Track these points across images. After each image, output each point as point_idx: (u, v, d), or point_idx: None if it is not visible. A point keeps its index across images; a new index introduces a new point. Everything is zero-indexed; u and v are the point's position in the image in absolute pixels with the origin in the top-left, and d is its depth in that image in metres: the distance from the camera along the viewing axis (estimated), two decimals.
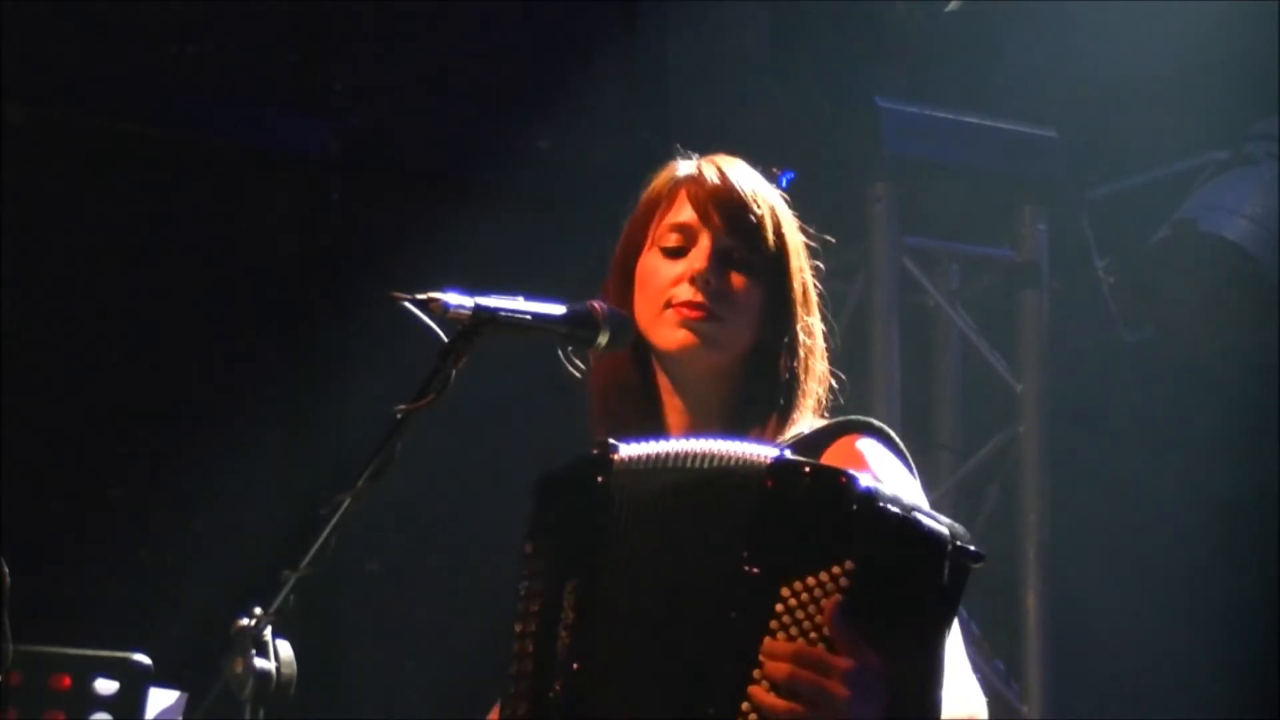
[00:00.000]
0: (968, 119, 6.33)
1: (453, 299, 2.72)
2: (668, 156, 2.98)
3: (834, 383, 2.94)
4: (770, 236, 2.86)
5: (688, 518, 2.51)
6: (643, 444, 2.59)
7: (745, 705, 2.39)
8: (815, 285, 2.93)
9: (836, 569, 2.38)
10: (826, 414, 2.91)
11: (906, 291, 6.36)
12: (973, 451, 6.41)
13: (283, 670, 2.68)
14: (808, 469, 2.48)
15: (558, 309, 2.80)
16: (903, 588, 2.40)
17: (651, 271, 2.87)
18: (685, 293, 2.83)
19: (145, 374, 5.74)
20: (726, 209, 2.85)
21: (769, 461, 2.48)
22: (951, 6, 6.40)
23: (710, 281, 2.82)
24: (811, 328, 2.89)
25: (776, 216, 2.88)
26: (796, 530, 2.41)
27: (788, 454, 2.51)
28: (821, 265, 3.00)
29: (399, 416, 2.70)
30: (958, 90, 6.52)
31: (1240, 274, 6.33)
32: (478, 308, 2.73)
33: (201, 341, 5.83)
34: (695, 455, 2.53)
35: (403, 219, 6.09)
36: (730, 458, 2.51)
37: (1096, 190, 6.81)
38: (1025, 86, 6.57)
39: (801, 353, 2.86)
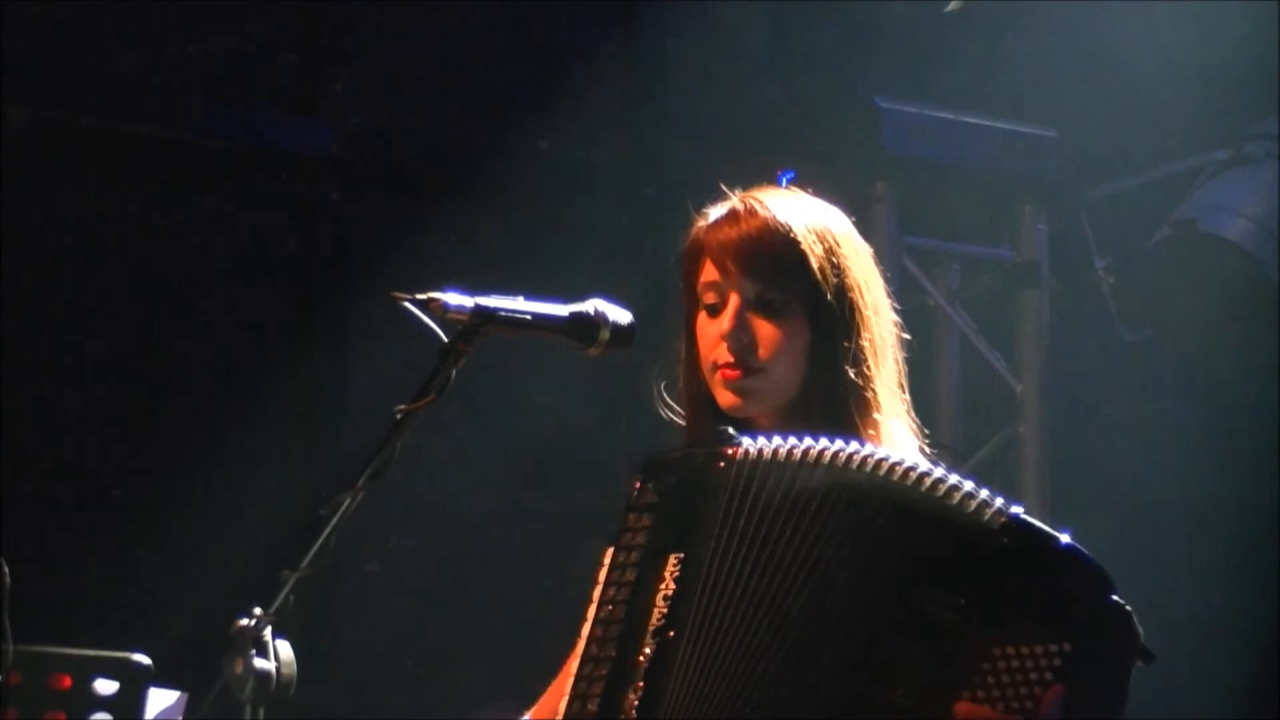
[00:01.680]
0: (968, 119, 6.33)
1: (453, 299, 2.72)
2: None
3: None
4: (793, 269, 2.81)
5: (861, 529, 2.46)
6: (764, 438, 2.56)
7: None
8: (866, 300, 2.86)
9: (1053, 646, 2.35)
10: (924, 432, 2.88)
11: (906, 291, 6.36)
12: (973, 451, 6.41)
13: (283, 670, 2.67)
14: (1042, 536, 2.42)
15: (558, 309, 2.80)
16: (1104, 677, 2.38)
17: (699, 333, 2.86)
18: (723, 354, 2.81)
19: (145, 374, 5.74)
20: (741, 257, 2.81)
21: (1006, 519, 2.41)
22: (951, 6, 6.40)
23: (740, 338, 2.80)
24: (863, 352, 2.83)
25: (798, 248, 2.81)
26: (1025, 597, 2.37)
27: (1018, 511, 2.43)
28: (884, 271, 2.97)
29: (399, 416, 2.70)
30: (958, 90, 6.52)
31: (1240, 274, 6.33)
32: (478, 308, 2.73)
33: (201, 341, 5.83)
34: (865, 459, 2.48)
35: (403, 219, 6.09)
36: (957, 493, 2.44)
37: (1096, 190, 6.81)
38: (1025, 86, 6.57)
39: (853, 383, 2.80)
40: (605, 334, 2.79)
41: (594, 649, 2.52)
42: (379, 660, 5.97)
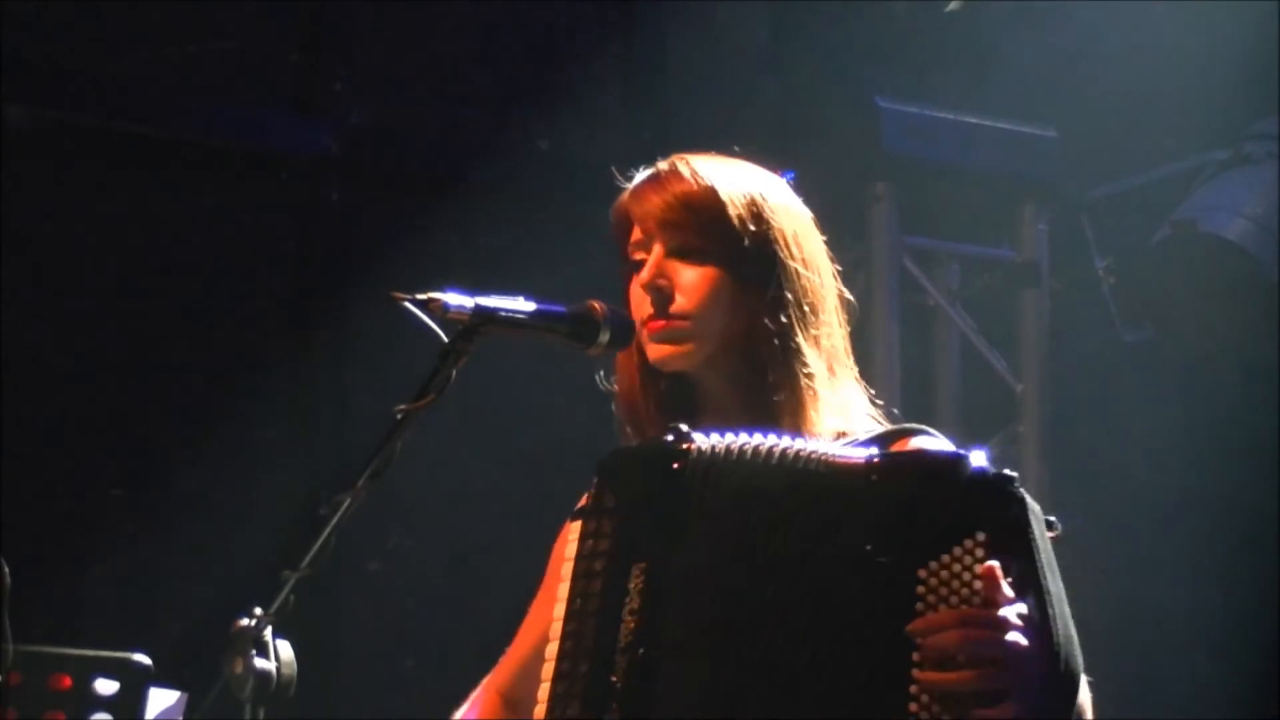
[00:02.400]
0: (968, 119, 6.33)
1: (453, 299, 2.71)
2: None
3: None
4: (712, 219, 2.81)
5: (786, 514, 2.48)
6: (717, 435, 2.56)
7: (914, 689, 2.36)
8: (792, 253, 2.84)
9: (969, 541, 2.39)
10: (880, 410, 2.89)
11: (906, 291, 6.36)
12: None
13: (283, 670, 2.68)
14: (907, 458, 2.53)
15: (558, 309, 2.80)
16: (1024, 547, 2.41)
17: (631, 295, 2.88)
18: (646, 307, 2.83)
19: (145, 374, 5.74)
20: (660, 210, 2.84)
21: (865, 460, 2.49)
22: (951, 6, 6.40)
23: (661, 288, 2.82)
24: (785, 303, 2.82)
25: (717, 199, 2.82)
26: (917, 516, 2.42)
27: (877, 449, 2.54)
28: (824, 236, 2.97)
29: (399, 416, 2.70)
30: (958, 90, 6.53)
31: (1240, 274, 6.33)
32: (478, 308, 2.72)
33: (202, 341, 5.83)
34: (782, 452, 2.52)
35: (403, 219, 6.09)
36: (828, 458, 2.51)
37: (1096, 190, 6.81)
38: (1025, 86, 6.57)
39: (770, 331, 2.80)
40: (605, 335, 2.79)
41: (565, 665, 2.50)
42: (379, 660, 5.97)
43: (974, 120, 6.34)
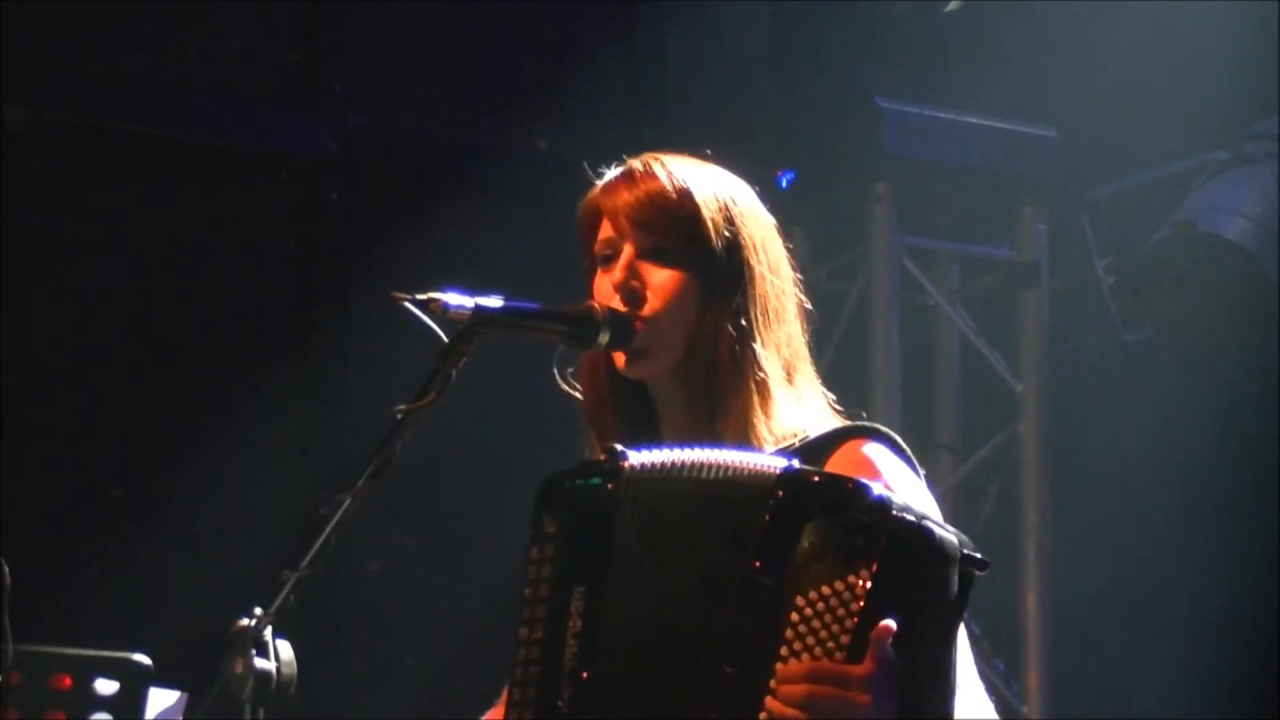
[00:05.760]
0: (968, 119, 6.33)
1: (453, 299, 2.72)
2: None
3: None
4: (685, 221, 2.81)
5: (698, 529, 2.50)
6: (651, 451, 2.57)
7: (763, 716, 2.38)
8: (759, 260, 2.84)
9: (852, 578, 2.37)
10: (837, 408, 2.89)
11: (906, 291, 6.36)
12: (973, 451, 6.41)
13: (283, 670, 2.68)
14: (817, 478, 2.49)
15: (558, 309, 2.80)
16: (915, 594, 2.39)
17: (595, 292, 2.86)
18: (616, 305, 2.81)
19: (145, 373, 5.74)
20: (634, 212, 2.83)
21: (778, 472, 2.47)
22: (951, 6, 6.40)
23: (634, 289, 2.81)
24: (752, 309, 2.82)
25: (691, 202, 2.82)
26: (809, 540, 2.41)
27: (796, 464, 2.51)
28: (794, 247, 2.95)
29: (399, 416, 2.70)
30: (958, 90, 6.52)
31: (1240, 274, 6.33)
32: (478, 308, 2.72)
33: (202, 341, 5.83)
34: (705, 465, 2.52)
35: (403, 219, 6.09)
36: (740, 469, 2.51)
37: (1096, 190, 6.81)
38: (1025, 86, 6.57)
39: (733, 337, 2.79)
40: (604, 335, 2.79)
41: (517, 694, 2.53)
42: (379, 660, 5.97)
43: (974, 120, 6.34)
